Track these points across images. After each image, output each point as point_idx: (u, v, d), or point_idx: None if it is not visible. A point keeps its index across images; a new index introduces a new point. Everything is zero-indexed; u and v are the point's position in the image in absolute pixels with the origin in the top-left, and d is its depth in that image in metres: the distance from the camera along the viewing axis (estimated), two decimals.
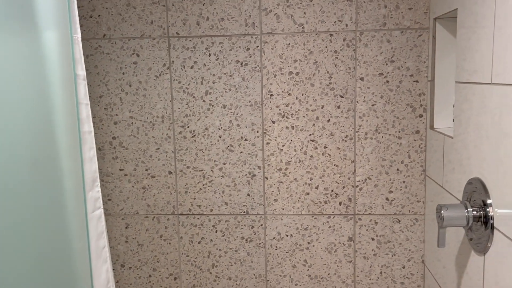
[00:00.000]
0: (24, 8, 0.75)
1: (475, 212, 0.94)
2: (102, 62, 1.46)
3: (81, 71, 0.82)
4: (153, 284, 1.53)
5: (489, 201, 0.91)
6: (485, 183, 0.93)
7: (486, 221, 0.91)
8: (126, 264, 1.53)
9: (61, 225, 0.79)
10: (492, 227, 0.89)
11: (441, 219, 0.97)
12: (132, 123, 1.47)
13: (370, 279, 1.45)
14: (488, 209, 0.91)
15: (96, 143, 0.91)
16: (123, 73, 1.45)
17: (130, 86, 1.45)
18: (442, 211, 0.96)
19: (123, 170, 1.49)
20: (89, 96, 0.87)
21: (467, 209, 0.96)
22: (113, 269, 1.06)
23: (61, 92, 0.78)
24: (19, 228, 0.76)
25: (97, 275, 0.85)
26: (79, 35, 0.82)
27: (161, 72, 1.44)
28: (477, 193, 0.96)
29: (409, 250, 1.43)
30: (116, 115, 1.47)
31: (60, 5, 0.77)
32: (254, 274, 1.49)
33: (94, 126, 0.93)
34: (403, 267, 1.43)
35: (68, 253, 0.80)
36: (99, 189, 0.87)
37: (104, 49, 1.45)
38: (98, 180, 0.87)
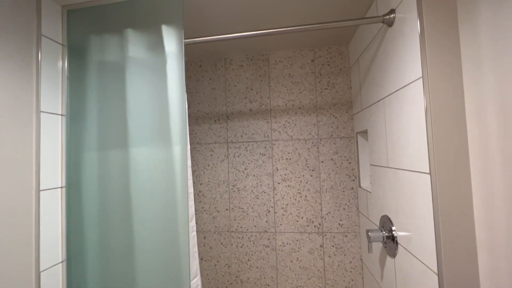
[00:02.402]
0: (167, 135, 0.81)
1: (386, 234, 0.92)
2: (196, 155, 1.49)
3: (189, 163, 0.83)
4: (216, 269, 1.45)
5: (393, 228, 0.89)
6: (390, 217, 0.91)
7: (393, 238, 0.88)
8: (203, 258, 1.47)
9: (176, 236, 0.80)
10: (397, 242, 0.87)
11: (369, 237, 0.93)
12: (208, 184, 1.47)
13: (332, 269, 1.35)
14: (393, 232, 0.88)
15: None
16: (205, 160, 1.48)
17: (208, 165, 1.47)
18: (369, 233, 0.93)
19: (203, 207, 1.47)
20: None
21: (382, 232, 0.93)
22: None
23: (180, 173, 0.81)
24: (159, 236, 0.81)
25: (192, 260, 0.82)
26: (188, 146, 0.83)
27: (223, 159, 1.46)
28: (386, 223, 0.93)
29: (353, 252, 1.34)
30: (202, 179, 1.48)
31: (183, 133, 0.81)
32: (270, 265, 1.40)
33: None
34: (350, 262, 1.34)
35: (179, 251, 0.80)
36: (194, 221, 0.85)
37: (197, 149, 1.49)
38: (194, 216, 0.85)
